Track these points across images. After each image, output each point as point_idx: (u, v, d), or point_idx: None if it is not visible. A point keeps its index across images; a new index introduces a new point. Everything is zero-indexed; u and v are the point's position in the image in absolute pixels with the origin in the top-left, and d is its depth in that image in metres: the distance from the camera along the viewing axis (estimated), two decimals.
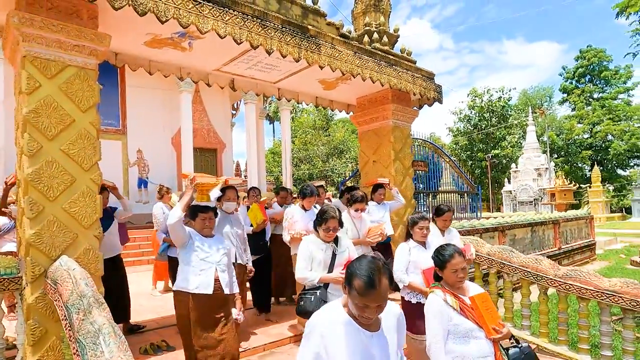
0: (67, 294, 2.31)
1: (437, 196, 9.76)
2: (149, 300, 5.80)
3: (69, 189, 2.98)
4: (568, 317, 4.45)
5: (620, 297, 3.94)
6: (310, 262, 2.90)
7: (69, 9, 2.88)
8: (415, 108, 6.29)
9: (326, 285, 2.83)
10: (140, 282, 6.69)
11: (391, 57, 5.28)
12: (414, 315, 3.23)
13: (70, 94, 2.96)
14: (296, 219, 4.34)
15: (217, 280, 3.04)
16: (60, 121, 2.93)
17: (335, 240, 3.01)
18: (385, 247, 5.12)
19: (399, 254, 3.53)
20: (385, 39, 5.52)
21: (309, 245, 2.94)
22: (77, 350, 1.92)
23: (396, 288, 4.03)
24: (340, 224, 2.99)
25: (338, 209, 3.03)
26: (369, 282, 1.41)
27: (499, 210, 26.09)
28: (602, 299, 4.05)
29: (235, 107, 16.30)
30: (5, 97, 9.50)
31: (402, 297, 3.54)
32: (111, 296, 4.05)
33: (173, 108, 13.14)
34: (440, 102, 6.00)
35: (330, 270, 2.89)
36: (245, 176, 15.64)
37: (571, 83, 40.84)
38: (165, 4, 3.00)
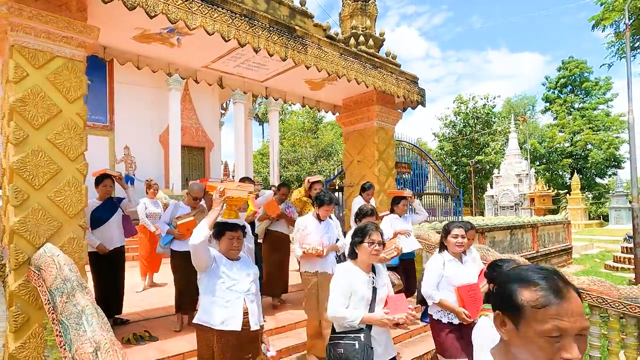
0: (51, 279, 2.36)
1: (422, 198, 9.99)
2: (132, 295, 5.79)
3: (55, 178, 3.03)
4: None
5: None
6: (348, 298, 2.39)
7: (58, 0, 2.93)
8: (399, 110, 6.45)
9: (369, 327, 2.36)
10: (127, 278, 6.64)
11: (376, 59, 5.43)
12: (444, 336, 2.97)
13: (57, 85, 3.01)
14: (309, 231, 3.79)
15: (245, 313, 2.53)
16: (47, 111, 2.97)
17: (372, 269, 2.53)
18: (407, 264, 4.92)
19: (431, 267, 3.16)
20: (371, 42, 5.67)
21: (349, 277, 2.42)
22: (59, 332, 1.98)
23: (422, 302, 3.79)
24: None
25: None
26: (555, 289, 0.85)
27: (482, 214, 26.54)
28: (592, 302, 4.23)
29: (225, 106, 16.29)
30: None
31: (431, 315, 3.17)
32: (106, 288, 4.14)
33: (161, 106, 13.09)
34: (424, 105, 6.16)
35: (372, 309, 2.39)
36: (232, 176, 15.64)
37: (553, 93, 41.86)
38: None
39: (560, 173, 39.62)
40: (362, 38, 5.62)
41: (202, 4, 3.42)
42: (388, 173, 6.08)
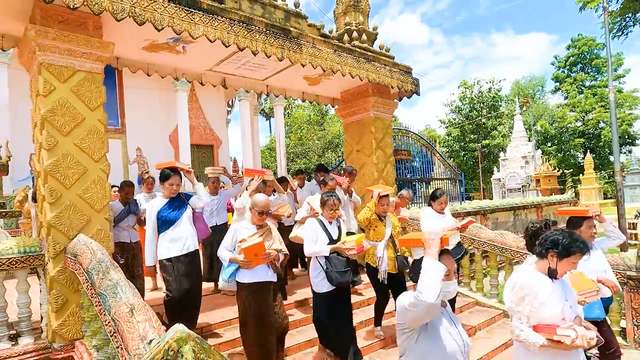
0: (87, 262, 2.78)
1: (430, 184, 10.43)
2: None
3: (82, 177, 3.45)
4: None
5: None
6: None
7: (77, 21, 3.33)
8: (395, 100, 6.75)
9: None
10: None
11: (370, 53, 5.73)
12: None
13: (80, 95, 3.42)
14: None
15: None
16: (72, 119, 3.39)
17: None
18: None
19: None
20: (364, 36, 5.96)
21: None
22: (99, 302, 2.39)
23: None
24: None
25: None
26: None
27: (491, 198, 26.64)
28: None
29: (231, 104, 16.71)
30: (10, 101, 9.89)
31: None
32: (182, 297, 3.48)
33: (170, 106, 13.56)
34: (418, 94, 6.45)
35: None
36: (241, 173, 16.12)
37: (563, 72, 41.27)
38: (160, 14, 3.45)
39: (573, 153, 39.20)
40: (355, 34, 5.92)
41: (203, 15, 3.79)
42: (386, 160, 6.41)
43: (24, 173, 10.44)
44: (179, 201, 3.64)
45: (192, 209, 3.74)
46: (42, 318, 3.56)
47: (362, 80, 5.53)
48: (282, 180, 5.62)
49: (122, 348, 1.86)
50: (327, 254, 3.39)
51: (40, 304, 3.56)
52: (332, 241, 3.48)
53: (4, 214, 4.06)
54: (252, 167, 14.72)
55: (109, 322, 2.10)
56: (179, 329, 1.43)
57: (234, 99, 16.38)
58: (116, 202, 4.65)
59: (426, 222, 4.31)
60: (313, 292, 3.55)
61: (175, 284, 3.44)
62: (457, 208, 8.51)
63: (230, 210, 5.73)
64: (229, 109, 16.69)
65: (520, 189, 21.90)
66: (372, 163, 6.20)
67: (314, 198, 4.48)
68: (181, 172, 3.69)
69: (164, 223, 3.52)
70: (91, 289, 2.60)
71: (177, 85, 12.72)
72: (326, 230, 3.53)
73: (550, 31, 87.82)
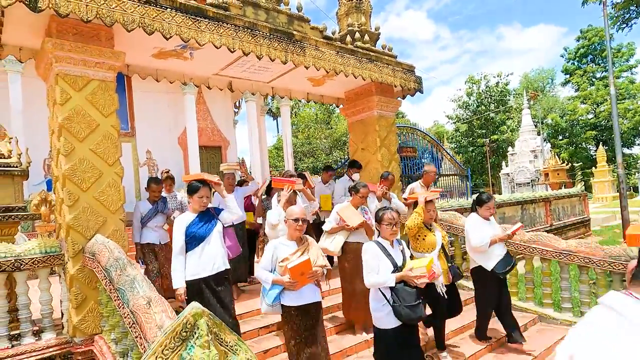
0: (105, 260, 2.96)
1: (438, 180, 10.51)
2: None
3: (98, 181, 3.63)
4: (534, 277, 5.04)
5: (575, 255, 4.51)
6: None
7: (90, 32, 3.50)
8: (399, 99, 6.85)
9: None
10: None
11: (372, 53, 5.84)
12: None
13: (94, 103, 3.60)
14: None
15: None
16: (87, 126, 3.57)
17: None
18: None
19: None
20: (366, 37, 6.07)
21: None
22: (117, 297, 2.56)
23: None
24: None
25: None
26: None
27: (500, 193, 26.52)
28: (560, 258, 4.62)
29: (237, 105, 16.93)
30: (25, 108, 10.20)
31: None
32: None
33: (178, 109, 13.81)
34: (421, 92, 6.54)
35: None
36: (250, 172, 16.34)
37: (573, 64, 40.75)
38: (168, 23, 3.61)
39: (585, 146, 38.71)
40: (357, 35, 6.02)
41: (209, 22, 3.94)
42: (390, 158, 6.51)
43: (38, 178, 10.77)
44: (208, 215, 3.35)
45: (222, 225, 3.48)
46: (62, 314, 3.76)
47: (365, 80, 5.64)
48: (300, 177, 5.64)
49: (140, 337, 2.02)
50: (393, 284, 2.87)
51: (61, 301, 3.76)
52: (396, 268, 2.94)
53: (25, 217, 4.27)
54: (259, 167, 14.89)
55: (128, 314, 2.27)
56: (195, 305, 1.65)
57: (240, 100, 16.60)
58: (143, 201, 4.73)
59: (473, 230, 3.92)
60: (374, 327, 3.04)
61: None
62: (464, 203, 8.57)
63: (248, 209, 5.80)
64: (236, 110, 16.91)
65: (529, 183, 21.79)
66: (377, 161, 6.31)
67: (344, 207, 4.11)
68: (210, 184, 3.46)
69: (193, 239, 3.21)
70: (110, 285, 2.77)
71: (185, 88, 12.96)
72: (388, 255, 2.97)
73: (559, 23, 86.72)
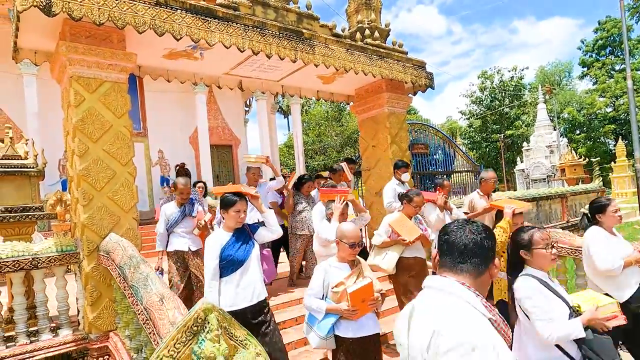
0: (119, 258, 3.01)
1: (451, 176, 10.46)
2: None
3: (111, 181, 3.69)
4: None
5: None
6: None
7: (102, 35, 3.56)
8: (410, 95, 6.79)
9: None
10: None
11: (382, 50, 5.80)
12: None
13: (107, 104, 3.66)
14: None
15: None
16: (101, 127, 3.63)
17: None
18: None
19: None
20: (376, 34, 6.03)
21: None
22: (131, 294, 2.61)
23: None
24: None
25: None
26: None
27: (515, 189, 26.14)
28: (575, 255, 4.53)
29: (248, 103, 17.02)
30: (40, 110, 10.42)
31: None
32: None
33: (189, 109, 13.95)
34: (433, 88, 6.48)
35: None
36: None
37: (591, 56, 39.74)
38: (179, 24, 3.64)
39: (603, 140, 37.78)
40: (367, 31, 5.99)
41: (219, 23, 3.96)
42: (402, 155, 6.46)
43: (53, 178, 11.01)
44: (245, 235, 2.91)
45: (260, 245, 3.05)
46: (78, 311, 3.85)
47: (375, 77, 5.61)
48: (337, 171, 5.37)
49: (154, 333, 2.06)
50: (584, 334, 2.02)
51: (77, 299, 3.84)
52: (571, 310, 2.13)
53: (41, 216, 4.39)
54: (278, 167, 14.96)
55: (142, 311, 2.31)
56: (206, 301, 1.71)
57: (251, 99, 16.68)
58: (170, 204, 4.29)
59: (599, 249, 2.94)
60: None
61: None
62: None
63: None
64: (247, 108, 17.00)
65: (545, 179, 21.42)
66: (388, 158, 6.27)
67: (397, 219, 3.64)
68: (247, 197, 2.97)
69: (230, 264, 2.77)
70: (124, 283, 2.83)
71: (196, 88, 13.08)
72: (556, 293, 2.15)
73: (575, 15, 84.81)
